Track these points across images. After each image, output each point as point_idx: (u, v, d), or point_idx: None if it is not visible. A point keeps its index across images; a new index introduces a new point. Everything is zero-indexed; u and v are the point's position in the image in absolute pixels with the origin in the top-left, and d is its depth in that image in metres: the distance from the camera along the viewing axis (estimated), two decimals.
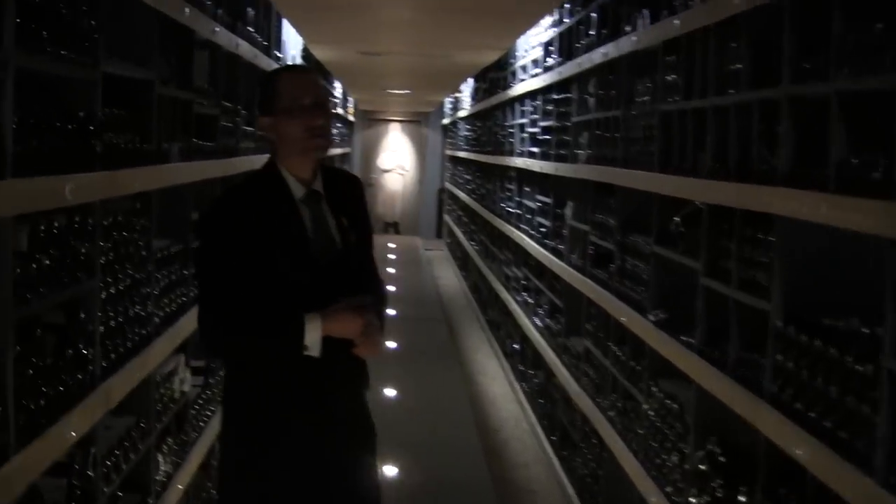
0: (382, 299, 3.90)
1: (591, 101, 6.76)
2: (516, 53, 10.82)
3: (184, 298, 4.97)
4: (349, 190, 3.87)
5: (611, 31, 6.18)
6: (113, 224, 3.77)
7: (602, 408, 6.32)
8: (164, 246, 4.66)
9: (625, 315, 5.64)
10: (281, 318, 3.50)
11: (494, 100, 12.57)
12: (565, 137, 7.68)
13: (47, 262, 2.98)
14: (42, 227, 2.97)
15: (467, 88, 17.46)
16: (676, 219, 4.89)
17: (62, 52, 3.10)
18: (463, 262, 18.14)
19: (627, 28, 5.72)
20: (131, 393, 3.97)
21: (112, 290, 3.75)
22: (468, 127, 17.66)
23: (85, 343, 3.41)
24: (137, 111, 4.06)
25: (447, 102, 23.28)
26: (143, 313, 4.19)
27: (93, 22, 3.34)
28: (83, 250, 3.35)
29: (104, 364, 3.64)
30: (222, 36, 5.56)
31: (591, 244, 6.67)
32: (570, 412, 7.56)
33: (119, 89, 3.94)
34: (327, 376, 3.59)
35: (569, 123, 7.55)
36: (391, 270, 18.97)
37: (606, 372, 6.23)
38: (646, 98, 5.41)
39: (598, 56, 6.41)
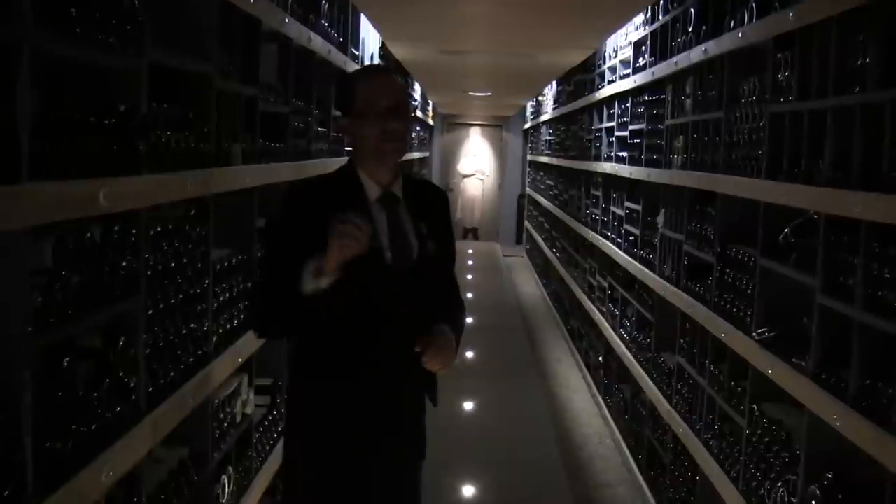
0: (461, 314, 3.82)
1: (688, 102, 6.29)
2: (604, 54, 10.35)
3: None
4: (433, 200, 3.79)
5: (712, 27, 5.72)
6: (162, 233, 3.38)
7: (696, 429, 5.86)
8: (224, 256, 4.28)
9: (724, 332, 5.18)
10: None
11: (580, 103, 12.09)
12: (658, 141, 7.21)
13: (77, 279, 2.59)
14: (71, 239, 2.57)
15: (550, 92, 17.01)
16: (787, 230, 4.44)
17: (99, 37, 2.71)
18: (543, 269, 17.66)
19: (731, 23, 5.27)
20: (184, 421, 3.58)
21: (161, 307, 3.37)
22: (551, 131, 17.18)
23: (126, 370, 3.02)
24: (193, 107, 3.67)
25: (529, 106, 22.83)
26: (198, 332, 3.81)
27: (136, 3, 2.95)
28: (124, 264, 2.96)
29: (150, 390, 3.25)
30: (292, 28, 5.18)
31: (686, 255, 6.21)
32: (659, 431, 7.10)
33: (173, 83, 3.58)
34: (392, 387, 3.59)
35: (662, 126, 7.08)
36: (469, 277, 18.65)
37: (702, 391, 5.77)
38: (752, 99, 4.94)
39: (696, 54, 5.94)
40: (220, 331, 4.17)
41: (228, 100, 4.16)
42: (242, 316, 4.49)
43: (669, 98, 6.87)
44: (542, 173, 18.87)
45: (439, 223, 3.73)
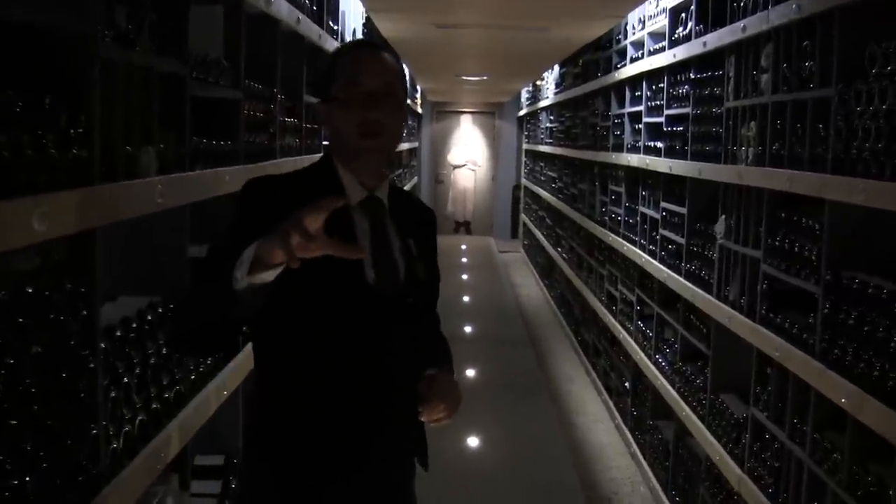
0: (449, 357, 3.18)
1: (765, 78, 4.85)
2: (624, 27, 8.89)
3: (178, 386, 3.16)
4: (421, 219, 3.09)
5: None
6: None
7: None
8: (133, 311, 2.85)
9: (846, 396, 3.75)
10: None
11: (591, 85, 10.60)
12: (714, 129, 5.76)
13: None
14: None
15: (550, 75, 15.57)
16: None
17: None
18: (546, 269, 16.16)
19: None
20: None
21: None
22: (552, 118, 15.70)
23: None
24: (52, 92, 2.22)
25: (524, 92, 21.40)
26: (77, 449, 2.35)
27: None
28: None
29: None
30: None
31: (766, 278, 4.77)
32: (721, 495, 5.65)
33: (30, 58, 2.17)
34: (377, 452, 2.81)
35: (719, 110, 5.63)
36: (464, 277, 17.36)
37: (797, 464, 4.34)
38: (890, 69, 3.51)
39: (780, 13, 4.50)
40: (129, 427, 2.72)
41: (132, 80, 2.71)
42: (174, 388, 3.07)
43: (731, 74, 5.41)
44: (541, 164, 17.38)
45: (428, 248, 3.03)
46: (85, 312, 2.39)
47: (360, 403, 2.75)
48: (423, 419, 2.83)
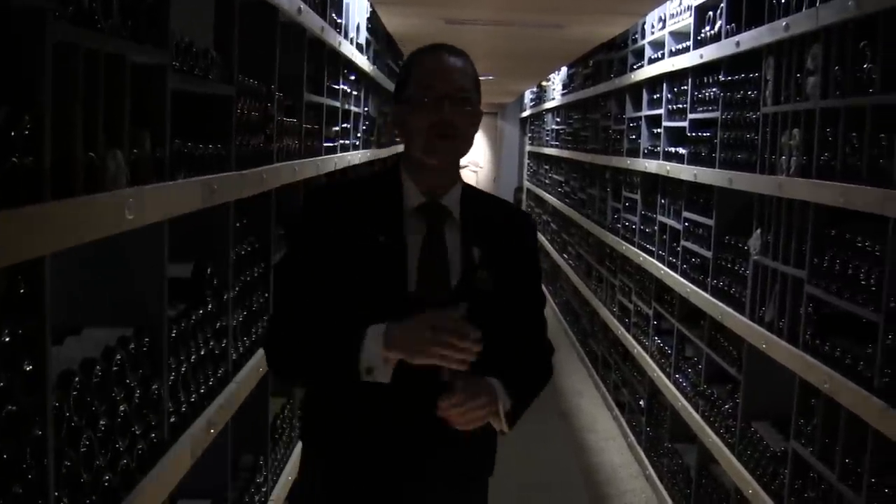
0: (537, 374, 3.03)
1: (812, 80, 4.39)
2: (641, 26, 8.43)
3: (153, 434, 2.70)
4: (508, 225, 2.99)
5: None
6: None
7: None
8: (97, 348, 2.40)
9: None
10: (344, 332, 2.68)
11: (604, 87, 10.15)
12: (748, 135, 5.30)
13: None
14: None
15: (557, 76, 15.09)
16: None
17: None
18: (550, 275, 15.67)
19: None
20: None
21: None
22: (559, 120, 15.22)
23: None
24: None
25: (528, 93, 20.95)
26: None
27: None
28: None
29: None
30: None
31: (811, 300, 4.33)
32: None
33: None
34: (423, 467, 2.82)
35: (753, 115, 5.19)
36: None
37: None
38: None
39: (833, 11, 4.06)
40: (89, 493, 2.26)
41: (96, 69, 2.25)
42: (150, 437, 2.61)
43: (769, 76, 4.96)
44: (546, 167, 16.91)
45: (513, 255, 2.94)
46: (29, 367, 1.93)
47: (410, 420, 2.76)
48: (438, 412, 2.64)
